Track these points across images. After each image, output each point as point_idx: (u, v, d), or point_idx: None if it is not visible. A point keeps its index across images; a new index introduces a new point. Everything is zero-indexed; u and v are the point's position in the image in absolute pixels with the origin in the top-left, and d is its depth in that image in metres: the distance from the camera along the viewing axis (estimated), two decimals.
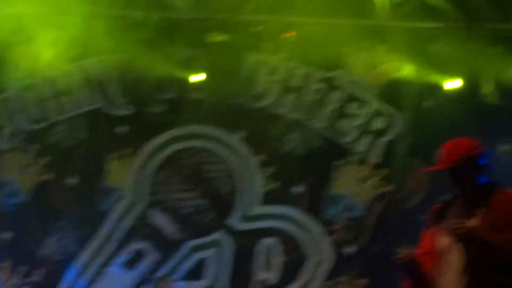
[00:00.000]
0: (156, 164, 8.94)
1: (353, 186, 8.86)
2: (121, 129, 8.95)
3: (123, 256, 8.85)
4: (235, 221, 8.94)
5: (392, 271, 7.74)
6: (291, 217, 8.90)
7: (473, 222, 4.64)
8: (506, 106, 8.72)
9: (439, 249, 4.79)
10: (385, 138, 8.91)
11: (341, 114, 8.92)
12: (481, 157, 4.85)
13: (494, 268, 4.61)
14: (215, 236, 8.92)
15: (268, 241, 8.89)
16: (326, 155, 8.93)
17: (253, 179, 8.93)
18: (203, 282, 8.90)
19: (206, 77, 8.85)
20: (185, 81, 8.88)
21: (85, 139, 8.93)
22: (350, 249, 8.86)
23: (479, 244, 4.58)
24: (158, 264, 8.82)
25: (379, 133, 8.92)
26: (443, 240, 4.76)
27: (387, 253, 8.08)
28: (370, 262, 8.80)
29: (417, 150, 8.68)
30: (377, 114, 8.91)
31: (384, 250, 8.65)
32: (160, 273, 8.78)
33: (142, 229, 8.86)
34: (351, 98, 8.92)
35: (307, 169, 8.92)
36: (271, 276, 8.85)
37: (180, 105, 8.94)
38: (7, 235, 8.92)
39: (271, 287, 8.81)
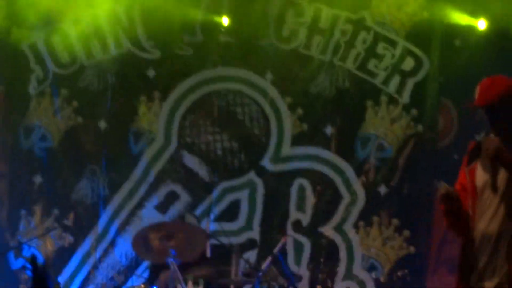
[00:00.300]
0: (186, 107, 9.01)
1: (383, 127, 8.88)
2: (150, 72, 9.01)
3: (156, 199, 8.93)
4: (267, 163, 8.99)
5: (423, 211, 8.50)
6: (322, 158, 8.94)
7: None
8: None
9: (476, 186, 4.76)
10: (415, 79, 8.88)
11: (369, 54, 8.91)
12: None
13: None
14: (247, 177, 8.99)
15: (300, 181, 8.94)
16: (356, 96, 8.96)
17: (283, 120, 8.98)
18: (237, 223, 8.97)
19: (234, 19, 8.93)
20: (213, 24, 8.96)
21: (114, 83, 8.99)
22: (381, 189, 8.87)
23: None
24: (191, 206, 8.90)
25: (408, 74, 8.90)
26: (480, 177, 4.75)
27: (418, 193, 8.65)
28: (402, 202, 8.81)
29: (446, 90, 8.73)
30: (406, 54, 8.89)
31: (415, 190, 8.72)
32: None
33: (174, 171, 8.95)
34: (379, 39, 8.90)
35: (336, 110, 8.97)
36: (305, 216, 8.88)
37: (208, 47, 9.00)
38: (38, 179, 9.04)
39: (305, 228, 8.83)
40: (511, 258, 4.60)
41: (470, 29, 8.79)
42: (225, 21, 8.94)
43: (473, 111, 5.02)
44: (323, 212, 8.88)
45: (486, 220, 4.67)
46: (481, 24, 8.76)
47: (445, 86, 8.79)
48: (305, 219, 8.88)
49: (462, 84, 8.36)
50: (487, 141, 4.68)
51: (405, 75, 8.91)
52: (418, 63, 8.89)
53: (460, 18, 8.77)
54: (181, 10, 8.71)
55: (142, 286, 7.85)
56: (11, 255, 8.99)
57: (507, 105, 4.67)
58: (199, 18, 8.89)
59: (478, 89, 4.76)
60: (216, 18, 8.94)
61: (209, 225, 8.71)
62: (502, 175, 4.68)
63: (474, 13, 8.74)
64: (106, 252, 8.97)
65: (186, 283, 7.30)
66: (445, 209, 4.75)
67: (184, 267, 7.41)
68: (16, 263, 9.00)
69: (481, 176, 4.74)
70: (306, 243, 8.89)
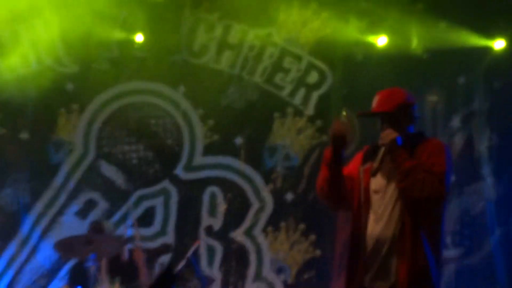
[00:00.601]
0: (103, 119, 9.09)
1: (289, 137, 9.01)
2: (69, 86, 9.10)
3: (75, 206, 9.03)
4: (180, 171, 9.09)
5: (327, 216, 8.53)
6: (232, 167, 9.08)
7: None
8: (431, 59, 8.97)
9: (370, 188, 4.85)
10: (319, 91, 9.09)
11: (276, 69, 9.07)
12: (414, 107, 4.96)
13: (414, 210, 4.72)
14: (162, 185, 9.08)
15: (212, 189, 9.07)
16: (264, 108, 9.10)
17: (195, 131, 9.10)
18: (153, 229, 9.07)
19: (148, 35, 9.03)
20: (128, 40, 9.06)
21: (35, 96, 9.04)
22: (288, 196, 8.99)
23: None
24: (109, 213, 8.99)
25: (313, 87, 9.08)
26: (375, 180, 4.84)
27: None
28: (308, 208, 8.94)
29: (349, 102, 8.80)
30: (310, 68, 9.07)
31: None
32: (112, 221, 8.92)
33: (93, 180, 9.01)
34: (285, 54, 9.06)
35: (245, 122, 9.06)
36: (217, 222, 8.98)
37: (124, 62, 9.09)
38: None
39: (217, 233, 8.91)
40: (404, 260, 4.68)
41: (371, 45, 9.00)
42: (139, 37, 9.03)
43: (368, 117, 5.02)
44: (234, 218, 8.99)
45: (381, 224, 4.75)
46: (381, 41, 8.96)
47: (348, 98, 8.91)
48: (217, 224, 8.98)
49: (364, 97, 8.34)
50: (385, 133, 4.84)
51: (310, 88, 9.11)
52: (322, 76, 9.11)
53: (361, 34, 8.95)
54: (98, 27, 8.83)
55: (66, 287, 8.03)
56: None
57: (403, 112, 4.85)
58: (115, 35, 8.96)
59: (377, 98, 4.93)
60: (131, 35, 9.03)
61: (126, 231, 8.64)
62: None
63: (374, 30, 8.95)
64: (29, 257, 9.02)
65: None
66: (331, 150, 4.83)
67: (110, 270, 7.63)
68: None
69: (376, 179, 4.85)
70: (218, 247, 9.02)
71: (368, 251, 4.78)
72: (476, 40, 8.85)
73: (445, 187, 4.66)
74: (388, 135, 4.76)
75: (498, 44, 8.84)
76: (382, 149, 4.84)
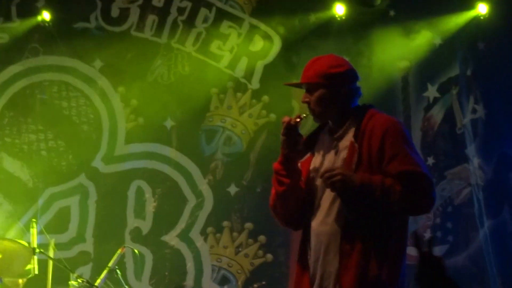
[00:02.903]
0: (3, 103, 8.69)
1: (230, 117, 8.70)
2: None
3: None
4: (99, 163, 8.72)
5: None
6: (162, 156, 8.73)
7: (339, 164, 4.48)
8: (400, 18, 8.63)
9: (310, 180, 4.62)
10: (264, 61, 8.69)
11: (211, 35, 8.72)
12: (347, 76, 4.59)
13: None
14: (77, 181, 8.68)
15: (138, 183, 8.66)
16: (198, 83, 8.69)
17: (116, 114, 8.74)
18: (68, 234, 8.62)
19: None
20: (29, 4, 8.64)
21: None
22: (232, 189, 8.66)
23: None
24: (14, 217, 8.55)
25: (257, 55, 8.71)
26: (314, 172, 4.60)
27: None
28: (256, 203, 8.56)
29: (301, 71, 8.38)
30: (253, 33, 8.70)
31: (271, 188, 8.43)
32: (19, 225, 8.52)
33: None
34: (222, 16, 8.73)
35: (176, 100, 8.71)
36: (145, 224, 8.62)
37: (26, 33, 8.69)
38: None
39: (146, 237, 8.56)
40: (344, 262, 4.40)
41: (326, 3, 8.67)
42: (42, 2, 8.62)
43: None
44: (166, 218, 8.65)
45: (319, 217, 4.49)
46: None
47: (299, 68, 8.07)
48: (145, 226, 8.62)
49: None
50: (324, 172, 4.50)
51: (253, 57, 8.73)
52: (268, 42, 8.73)
53: None
54: None
55: None
56: None
57: (326, 83, 4.49)
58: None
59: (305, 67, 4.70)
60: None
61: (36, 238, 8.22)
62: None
63: None
64: None
65: None
66: (282, 157, 4.60)
67: None
68: None
69: (314, 170, 4.59)
70: (148, 254, 8.59)
71: (313, 251, 4.55)
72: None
73: (431, 184, 4.43)
74: (328, 176, 4.39)
75: (481, 7, 8.65)
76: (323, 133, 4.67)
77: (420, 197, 4.39)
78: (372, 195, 4.33)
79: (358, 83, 4.57)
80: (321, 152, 4.58)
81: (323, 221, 4.48)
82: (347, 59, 4.73)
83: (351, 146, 4.43)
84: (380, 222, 4.43)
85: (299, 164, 4.56)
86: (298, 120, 4.45)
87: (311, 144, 4.62)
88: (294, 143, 4.49)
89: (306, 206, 4.57)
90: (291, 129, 4.48)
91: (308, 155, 4.62)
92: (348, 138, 4.47)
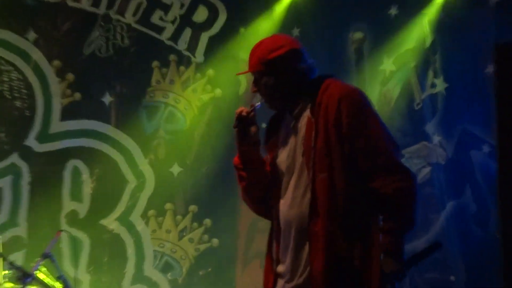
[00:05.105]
0: None
1: (173, 92, 8.52)
2: None
3: None
4: (32, 142, 8.47)
5: (227, 193, 8.08)
6: (100, 133, 8.54)
7: (299, 144, 4.34)
8: None
9: (277, 165, 4.44)
10: (209, 32, 8.55)
11: (153, 5, 8.52)
12: (290, 58, 4.33)
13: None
14: (9, 161, 8.41)
15: (74, 163, 8.46)
16: (138, 56, 8.53)
17: (51, 89, 8.46)
18: None
19: None
20: None
21: None
22: (175, 169, 8.50)
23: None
24: None
25: (202, 27, 8.58)
26: (281, 155, 4.43)
27: (219, 172, 8.25)
28: (200, 184, 8.48)
29: (248, 44, 7.84)
30: (197, 3, 8.54)
31: (216, 168, 8.35)
32: None
33: None
34: None
35: (116, 74, 8.52)
36: (82, 207, 8.43)
37: None
38: None
39: (83, 220, 8.34)
40: (316, 255, 4.22)
41: None
42: None
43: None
44: (104, 201, 8.48)
45: (287, 201, 4.33)
46: None
47: (247, 39, 8.40)
48: (82, 209, 8.44)
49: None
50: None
51: (197, 29, 8.61)
52: (213, 13, 8.60)
53: None
54: None
55: None
56: None
57: (268, 70, 4.30)
58: None
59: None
60: None
61: None
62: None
63: None
64: None
65: None
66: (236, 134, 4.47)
67: None
68: None
69: (282, 153, 4.43)
70: (85, 239, 8.43)
71: (281, 237, 4.43)
72: None
73: (409, 173, 4.25)
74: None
75: None
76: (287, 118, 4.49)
77: (404, 194, 4.23)
78: (402, 243, 4.27)
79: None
80: (284, 134, 4.44)
81: (291, 204, 4.34)
82: (297, 30, 4.41)
83: (309, 122, 4.30)
84: (348, 201, 4.29)
85: (261, 152, 4.44)
86: (250, 110, 4.31)
87: (276, 126, 4.47)
88: (246, 135, 4.37)
89: (273, 190, 4.44)
90: (242, 121, 4.36)
91: (275, 138, 4.47)
92: (306, 114, 4.33)
